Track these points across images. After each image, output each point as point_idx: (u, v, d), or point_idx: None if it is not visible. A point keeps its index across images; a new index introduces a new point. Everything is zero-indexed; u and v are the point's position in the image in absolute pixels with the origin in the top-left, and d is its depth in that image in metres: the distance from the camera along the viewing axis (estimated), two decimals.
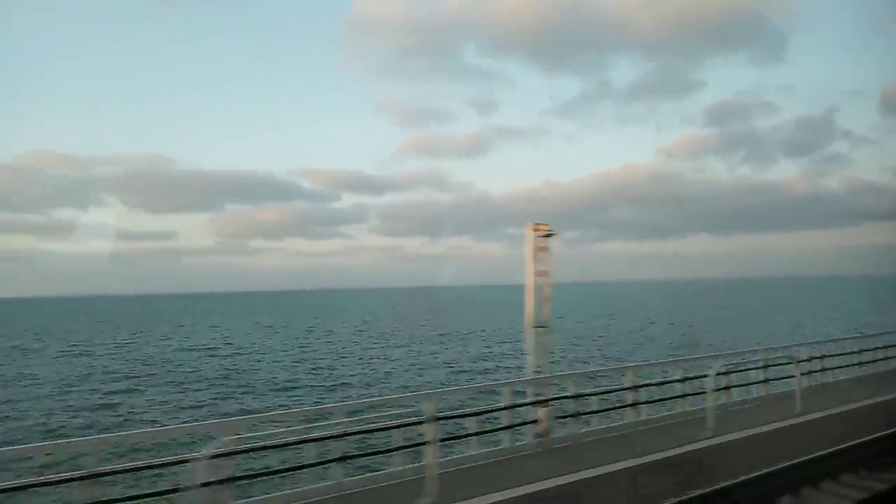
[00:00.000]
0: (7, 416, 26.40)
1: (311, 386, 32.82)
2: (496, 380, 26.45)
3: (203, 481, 6.46)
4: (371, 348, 51.49)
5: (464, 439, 9.66)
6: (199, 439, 8.48)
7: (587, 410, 10.86)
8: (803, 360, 14.21)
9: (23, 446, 10.99)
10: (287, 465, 8.19)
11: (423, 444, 8.33)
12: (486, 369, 36.75)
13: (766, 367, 13.96)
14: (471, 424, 9.67)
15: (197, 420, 22.37)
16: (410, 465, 8.72)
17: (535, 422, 10.22)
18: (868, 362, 16.85)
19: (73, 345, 62.18)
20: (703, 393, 11.17)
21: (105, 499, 6.72)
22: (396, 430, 8.83)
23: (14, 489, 6.57)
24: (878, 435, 10.66)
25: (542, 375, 10.67)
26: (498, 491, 8.00)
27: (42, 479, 6.91)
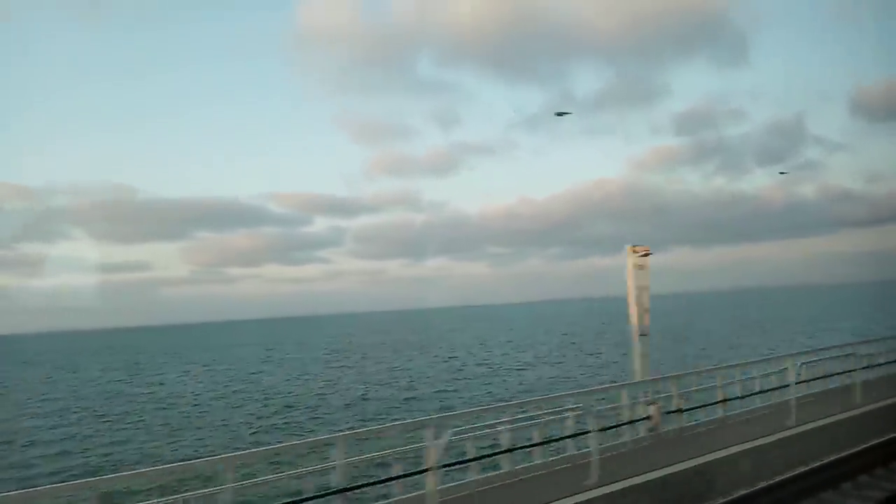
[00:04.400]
0: None
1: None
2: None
3: None
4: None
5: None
6: None
7: (688, 407, 12.32)
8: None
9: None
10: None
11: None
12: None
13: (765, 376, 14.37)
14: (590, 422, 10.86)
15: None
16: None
17: (648, 418, 11.63)
18: (850, 371, 16.30)
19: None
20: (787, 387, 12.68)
21: None
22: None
23: None
24: (869, 445, 11.04)
25: (652, 378, 12.06)
26: (620, 480, 8.93)
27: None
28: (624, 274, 12.35)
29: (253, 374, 58.39)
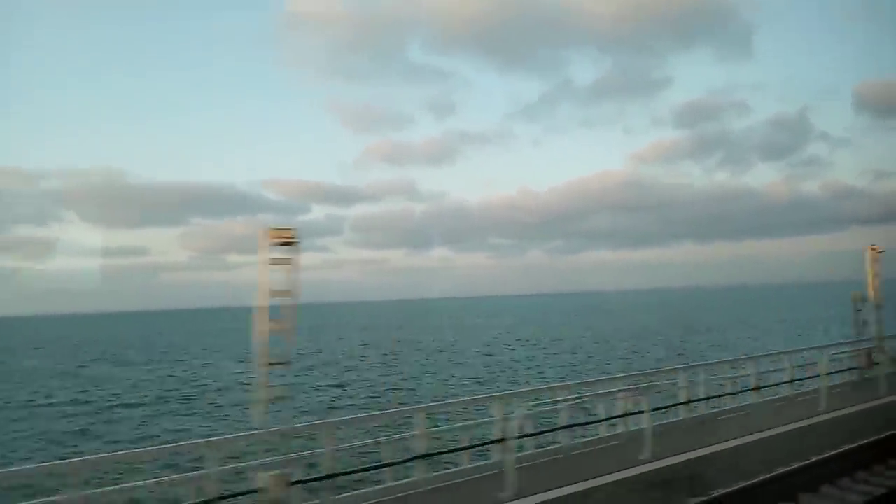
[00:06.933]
0: None
1: None
2: None
3: None
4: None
5: None
6: None
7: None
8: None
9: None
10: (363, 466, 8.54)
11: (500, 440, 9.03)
12: None
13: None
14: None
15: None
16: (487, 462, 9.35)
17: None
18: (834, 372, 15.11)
19: None
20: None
21: None
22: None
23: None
24: (844, 449, 10.48)
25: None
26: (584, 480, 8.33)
27: None
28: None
29: None
